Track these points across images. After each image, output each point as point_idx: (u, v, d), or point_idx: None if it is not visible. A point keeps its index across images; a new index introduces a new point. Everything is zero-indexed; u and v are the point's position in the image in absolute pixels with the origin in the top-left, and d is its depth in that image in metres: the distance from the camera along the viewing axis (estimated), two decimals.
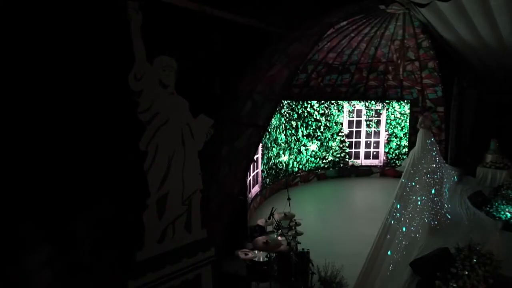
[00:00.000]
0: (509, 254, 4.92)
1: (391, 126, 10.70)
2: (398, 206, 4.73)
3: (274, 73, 5.02)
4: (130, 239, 2.94)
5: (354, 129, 11.00)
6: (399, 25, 8.15)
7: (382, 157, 10.94)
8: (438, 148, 6.27)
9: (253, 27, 5.09)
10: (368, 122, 10.85)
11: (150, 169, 2.92)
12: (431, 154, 5.81)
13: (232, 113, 4.68)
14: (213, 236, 3.75)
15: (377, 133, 10.91)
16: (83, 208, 2.82)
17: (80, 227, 2.86)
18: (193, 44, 3.54)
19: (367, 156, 11.09)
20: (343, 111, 10.78)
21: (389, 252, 4.39)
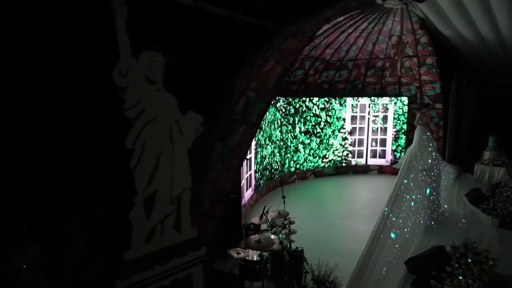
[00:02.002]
0: (506, 252, 4.88)
1: (399, 122, 10.04)
2: (394, 205, 4.68)
3: (268, 69, 4.93)
4: (117, 239, 2.88)
5: (358, 125, 10.16)
6: (397, 20, 8.05)
7: (389, 156, 10.33)
8: (435, 144, 6.20)
9: (247, 22, 4.98)
10: (373, 118, 10.12)
11: (136, 167, 2.85)
12: (428, 151, 5.74)
13: (225, 110, 4.60)
14: (204, 235, 3.69)
15: (383, 130, 10.22)
16: (66, 207, 2.76)
17: (64, 227, 2.79)
18: (183, 39, 3.45)
19: (373, 155, 10.44)
20: (345, 106, 10.00)
21: (383, 251, 4.34)
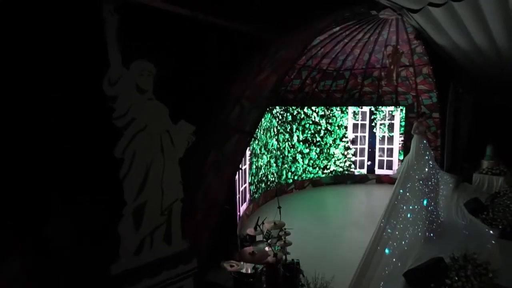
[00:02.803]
0: (506, 264, 4.77)
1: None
2: (390, 216, 4.61)
3: (262, 78, 4.93)
4: (105, 251, 2.80)
5: (359, 134, 9.60)
6: (393, 31, 8.12)
7: (396, 166, 9.83)
8: (432, 153, 6.16)
9: (242, 31, 5.00)
10: (379, 126, 9.64)
11: (126, 177, 2.80)
12: (425, 160, 5.69)
13: (219, 119, 4.57)
14: (197, 247, 3.60)
15: (389, 139, 9.69)
16: (51, 217, 2.69)
17: (49, 238, 2.72)
18: (175, 48, 3.44)
19: (380, 165, 9.98)
20: (347, 113, 9.54)
21: (381, 263, 4.24)
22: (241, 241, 5.76)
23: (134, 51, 2.81)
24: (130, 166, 2.80)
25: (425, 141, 6.14)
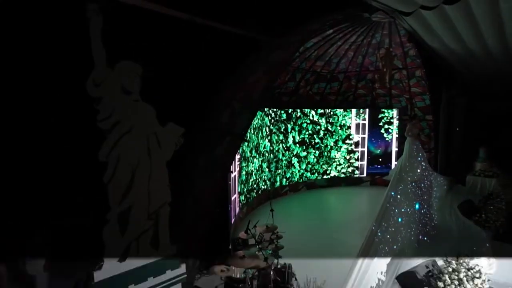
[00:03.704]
0: (499, 265, 4.76)
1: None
2: (382, 218, 4.57)
3: (254, 80, 4.90)
4: (89, 257, 2.72)
5: (361, 135, 8.54)
6: (385, 33, 8.15)
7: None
8: (425, 155, 6.15)
9: (234, 33, 4.97)
10: (387, 127, 8.88)
11: (111, 181, 2.72)
12: (417, 161, 5.68)
13: (210, 121, 4.52)
14: (186, 252, 3.53)
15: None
16: (38, 223, 2.60)
17: (34, 244, 2.63)
18: (163, 49, 3.39)
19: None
20: (350, 111, 8.67)
21: (373, 267, 4.20)
22: (233, 245, 5.69)
23: (119, 52, 2.75)
24: (115, 170, 2.72)
25: (418, 143, 6.13)
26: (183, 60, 4.14)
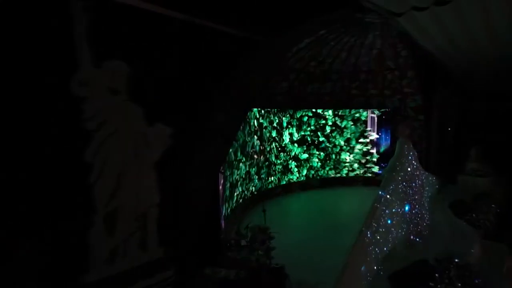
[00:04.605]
0: (489, 265, 4.79)
1: None
2: (373, 219, 4.57)
3: (247, 80, 4.87)
4: (74, 261, 2.66)
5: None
6: (378, 34, 8.18)
7: None
8: (416, 154, 6.17)
9: (227, 33, 4.92)
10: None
11: (96, 182, 2.67)
12: (408, 160, 5.70)
13: (200, 122, 4.46)
14: (175, 254, 3.48)
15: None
16: (17, 225, 2.53)
17: (14, 248, 2.55)
18: (151, 47, 3.33)
19: None
20: None
21: (363, 267, 4.20)
22: (225, 246, 5.65)
23: (106, 50, 2.69)
24: (101, 171, 2.67)
25: (409, 143, 6.16)
26: (171, 59, 4.07)
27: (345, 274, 4.06)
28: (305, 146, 6.57)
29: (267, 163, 6.16)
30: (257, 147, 5.97)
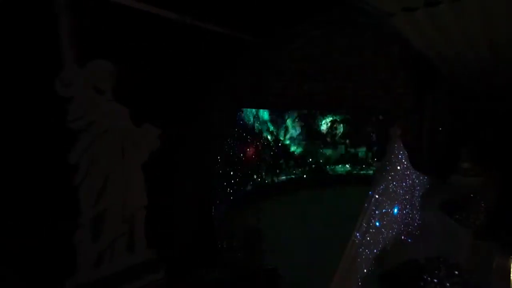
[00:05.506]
0: (479, 264, 4.82)
1: None
2: (363, 220, 4.58)
3: (242, 81, 4.84)
4: (60, 264, 2.61)
5: None
6: (372, 34, 8.21)
7: None
8: (406, 154, 6.17)
9: (221, 33, 4.88)
10: None
11: (82, 183, 2.62)
12: (399, 160, 5.70)
13: (192, 122, 4.43)
14: (166, 256, 3.44)
15: None
16: (4, 230, 2.48)
17: (2, 252, 2.50)
18: (139, 47, 3.29)
19: None
20: None
21: (354, 268, 4.20)
22: (218, 247, 5.61)
23: (91, 50, 2.65)
24: (87, 172, 2.62)
25: (400, 143, 6.17)
26: (159, 58, 4.02)
27: (336, 276, 4.06)
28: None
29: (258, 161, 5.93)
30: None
